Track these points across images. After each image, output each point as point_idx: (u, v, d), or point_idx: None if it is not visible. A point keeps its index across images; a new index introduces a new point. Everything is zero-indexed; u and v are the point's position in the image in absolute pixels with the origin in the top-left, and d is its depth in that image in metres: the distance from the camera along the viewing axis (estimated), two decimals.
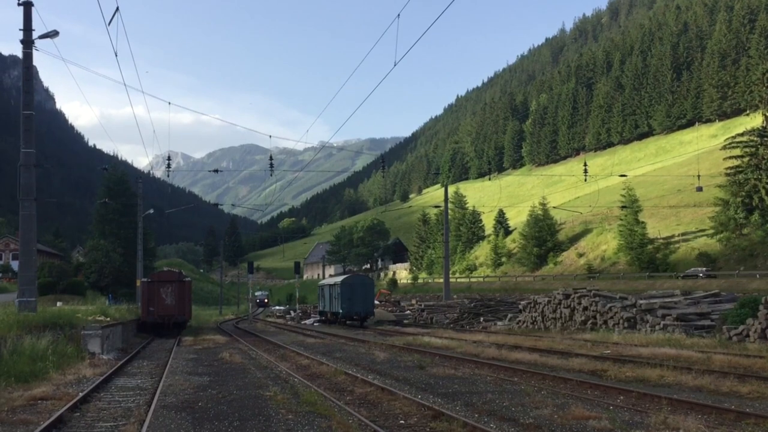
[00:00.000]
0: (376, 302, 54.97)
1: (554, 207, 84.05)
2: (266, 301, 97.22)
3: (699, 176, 63.15)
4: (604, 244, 75.43)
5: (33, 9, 25.14)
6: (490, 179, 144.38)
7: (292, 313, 64.28)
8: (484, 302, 44.22)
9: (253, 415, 11.51)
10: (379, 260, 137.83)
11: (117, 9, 20.95)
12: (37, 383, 15.20)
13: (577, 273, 72.34)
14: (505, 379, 15.77)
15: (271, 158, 38.05)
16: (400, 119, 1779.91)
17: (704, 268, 55.90)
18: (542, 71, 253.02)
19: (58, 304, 40.97)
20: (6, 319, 20.51)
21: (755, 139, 59.37)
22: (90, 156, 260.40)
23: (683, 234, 67.48)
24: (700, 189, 64.19)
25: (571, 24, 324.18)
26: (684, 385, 13.98)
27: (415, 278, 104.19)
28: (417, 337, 29.16)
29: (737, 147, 60.58)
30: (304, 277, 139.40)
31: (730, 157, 60.66)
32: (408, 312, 51.98)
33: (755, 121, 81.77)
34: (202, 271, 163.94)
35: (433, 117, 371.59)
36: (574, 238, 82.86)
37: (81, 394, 13.62)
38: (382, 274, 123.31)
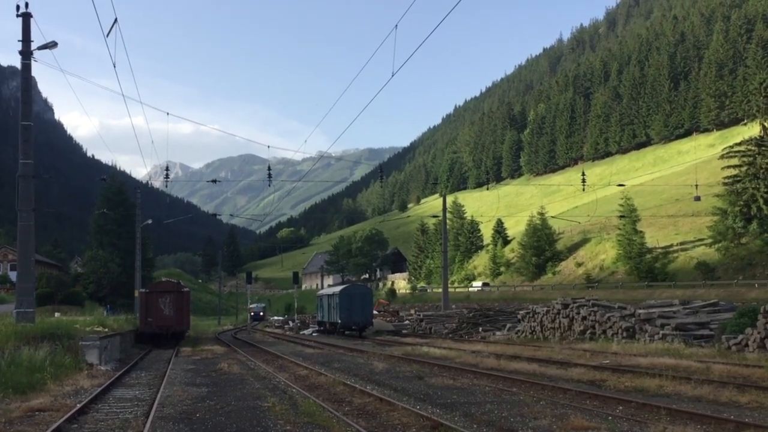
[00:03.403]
0: (375, 312, 54.89)
1: (552, 216, 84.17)
2: (262, 314, 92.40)
3: (697, 186, 63.24)
4: (603, 254, 75.48)
5: (32, 20, 25.22)
6: (488, 189, 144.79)
7: (291, 323, 64.18)
8: (482, 312, 44.14)
9: (251, 426, 11.48)
10: (378, 270, 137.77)
11: (115, 20, 20.99)
12: (34, 394, 15.16)
13: (575, 282, 72.34)
14: (504, 389, 15.73)
15: (269, 168, 38.00)
16: (399, 129, 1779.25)
17: None
18: (540, 81, 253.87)
19: (56, 314, 40.83)
20: (4, 330, 20.48)
21: (753, 148, 59.53)
22: (89, 166, 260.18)
23: (682, 243, 67.55)
24: (698, 198, 64.30)
25: (569, 34, 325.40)
26: (683, 395, 13.96)
27: (413, 288, 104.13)
28: (416, 347, 29.10)
29: (735, 156, 60.74)
30: (303, 287, 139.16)
31: (728, 167, 60.80)
32: (407, 322, 51.89)
33: (753, 130, 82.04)
34: (200, 281, 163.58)
35: (432, 127, 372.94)
36: (573, 248, 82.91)
37: (79, 406, 13.56)
38: (380, 284, 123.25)
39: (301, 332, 54.70)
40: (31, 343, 19.59)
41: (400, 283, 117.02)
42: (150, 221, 59.28)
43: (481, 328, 40.10)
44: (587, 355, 22.38)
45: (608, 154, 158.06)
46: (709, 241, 61.16)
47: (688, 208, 73.71)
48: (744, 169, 59.14)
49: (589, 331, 29.87)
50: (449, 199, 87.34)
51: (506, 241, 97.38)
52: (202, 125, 51.12)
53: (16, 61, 26.26)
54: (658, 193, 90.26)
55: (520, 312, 37.65)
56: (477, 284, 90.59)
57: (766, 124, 61.34)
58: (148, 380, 19.91)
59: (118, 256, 74.32)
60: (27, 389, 15.56)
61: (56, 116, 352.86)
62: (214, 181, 48.93)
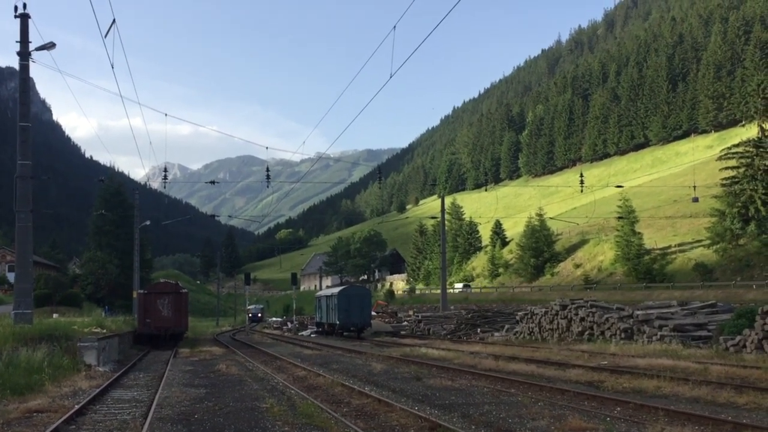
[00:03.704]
0: (373, 313, 54.85)
1: (551, 218, 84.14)
2: (260, 315, 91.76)
3: (695, 187, 63.27)
4: (601, 255, 75.50)
5: (30, 21, 25.23)
6: (486, 190, 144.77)
7: (289, 325, 64.16)
8: (481, 313, 44.14)
9: (250, 427, 11.48)
10: (376, 271, 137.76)
11: (113, 21, 20.99)
12: (32, 396, 15.15)
13: (574, 284, 72.36)
14: (502, 390, 15.74)
15: (267, 169, 37.95)
16: (397, 130, 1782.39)
17: None
18: (538, 82, 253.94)
19: (55, 315, 40.80)
20: (2, 331, 20.48)
21: (751, 149, 59.57)
22: (87, 167, 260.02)
23: (680, 245, 67.56)
24: (696, 200, 64.33)
25: (567, 35, 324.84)
26: (681, 396, 13.97)
27: (412, 289, 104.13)
28: (414, 348, 29.10)
29: (733, 158, 60.77)
30: (302, 288, 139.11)
31: (726, 168, 60.84)
32: (405, 323, 51.87)
33: (751, 131, 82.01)
34: (198, 282, 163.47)
35: (430, 128, 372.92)
36: (571, 249, 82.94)
37: (77, 407, 13.56)
38: (379, 285, 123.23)
39: (300, 333, 54.68)
40: (29, 344, 19.58)
41: (399, 284, 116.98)
42: (148, 222, 59.27)
43: (479, 329, 40.10)
44: (585, 356, 22.39)
45: (606, 156, 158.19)
46: (707, 242, 61.19)
47: (686, 209, 73.74)
48: (742, 170, 59.17)
49: (587, 332, 29.89)
50: (448, 200, 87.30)
51: (505, 243, 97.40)
52: (201, 126, 51.33)
53: (14, 62, 26.30)
54: (656, 195, 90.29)
55: (519, 313, 37.67)
56: (458, 285, 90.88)
57: (764, 125, 61.38)
58: (146, 381, 19.90)
59: (116, 257, 74.28)
60: (25, 390, 15.56)
61: (54, 117, 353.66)
62: (213, 182, 48.80)
